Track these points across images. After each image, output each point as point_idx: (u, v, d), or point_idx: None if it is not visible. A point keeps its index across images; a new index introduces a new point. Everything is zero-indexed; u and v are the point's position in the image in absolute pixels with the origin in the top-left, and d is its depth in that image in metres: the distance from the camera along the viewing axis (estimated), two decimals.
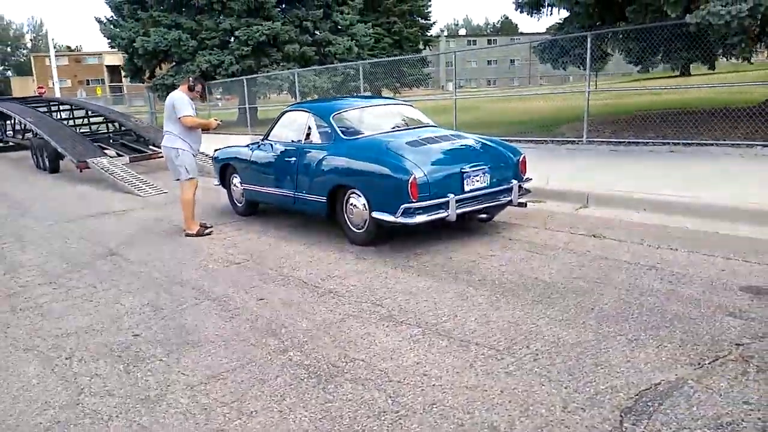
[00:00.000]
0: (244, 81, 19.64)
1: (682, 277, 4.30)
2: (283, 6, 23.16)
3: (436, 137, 5.89)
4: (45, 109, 17.87)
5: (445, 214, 5.25)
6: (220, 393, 3.08)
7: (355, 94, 19.73)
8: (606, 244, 5.28)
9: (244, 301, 4.45)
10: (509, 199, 5.72)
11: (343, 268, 5.10)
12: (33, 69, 72.21)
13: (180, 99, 6.50)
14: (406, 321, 3.85)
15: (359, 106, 6.70)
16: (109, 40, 23.79)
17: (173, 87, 22.79)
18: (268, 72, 21.13)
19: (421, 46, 45.11)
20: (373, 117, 6.50)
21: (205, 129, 6.96)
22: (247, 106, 19.17)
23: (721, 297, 3.90)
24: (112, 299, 4.72)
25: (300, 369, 3.28)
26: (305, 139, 6.34)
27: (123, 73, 26.13)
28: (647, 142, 9.72)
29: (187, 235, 6.64)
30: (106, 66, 72.85)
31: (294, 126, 6.64)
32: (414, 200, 5.15)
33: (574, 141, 10.95)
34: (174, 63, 22.76)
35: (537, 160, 9.48)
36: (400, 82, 39.45)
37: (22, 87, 67.42)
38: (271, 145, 6.82)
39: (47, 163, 14.02)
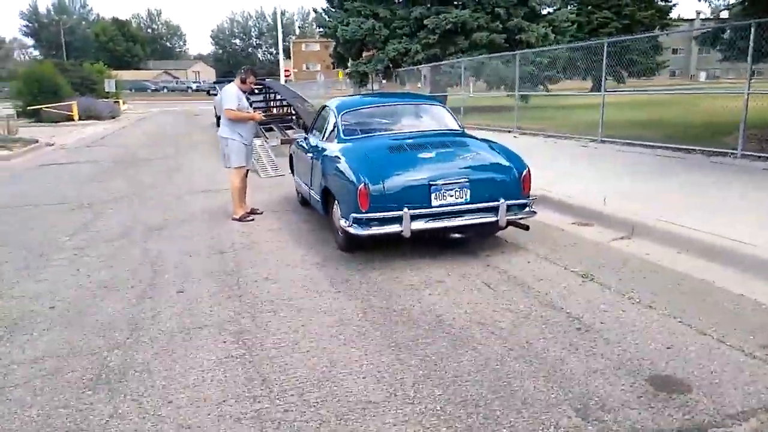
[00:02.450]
0: (422, 69, 19.83)
1: (600, 348, 3.34)
2: None
3: (428, 143, 5.35)
4: (256, 92, 20.33)
5: (398, 229, 4.79)
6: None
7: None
8: (581, 290, 4.30)
9: (168, 289, 4.64)
10: (494, 219, 4.97)
11: (290, 273, 4.96)
12: (291, 53, 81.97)
13: (228, 92, 6.89)
14: (229, 329, 3.73)
15: (376, 105, 6.40)
16: (320, 29, 25.89)
17: (365, 75, 24.12)
18: (451, 60, 20.99)
19: (657, 32, 40.35)
20: (385, 117, 6.16)
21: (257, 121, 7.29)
22: (412, 91, 19.34)
23: (606, 385, 2.95)
24: (90, 270, 5.26)
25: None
26: (326, 136, 6.26)
27: (331, 60, 28.33)
28: None
29: (233, 219, 7.07)
30: None
31: (322, 121, 6.60)
32: (363, 210, 4.80)
33: (726, 153, 8.93)
34: (372, 51, 23.88)
35: (654, 173, 8.04)
36: (628, 71, 35.93)
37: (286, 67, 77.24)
38: (307, 139, 6.89)
39: None
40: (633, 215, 5.71)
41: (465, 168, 5.03)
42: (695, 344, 3.34)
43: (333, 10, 25.86)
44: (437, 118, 6.25)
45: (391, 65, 23.47)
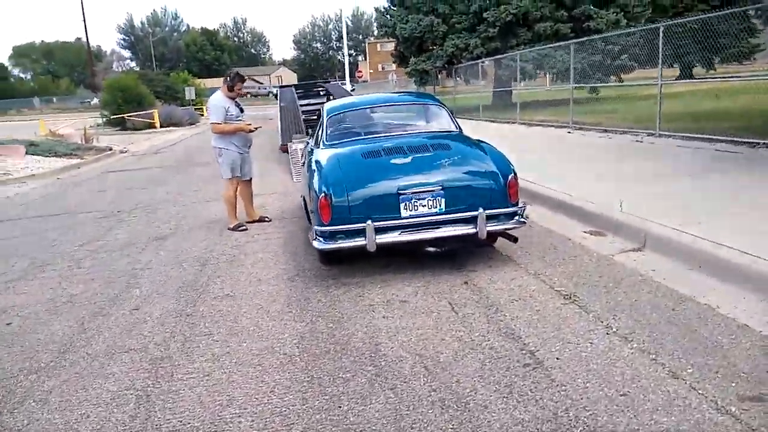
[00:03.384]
0: (482, 64, 19.10)
1: (539, 392, 2.80)
2: None
3: (409, 147, 4.88)
4: (321, 94, 20.30)
5: (362, 242, 4.38)
6: None
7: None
8: (554, 315, 3.72)
9: (125, 306, 4.47)
10: (473, 231, 4.44)
11: (254, 289, 4.68)
12: (367, 54, 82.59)
13: (213, 104, 6.66)
14: (152, 354, 3.42)
15: (367, 106, 6.00)
16: (380, 28, 25.64)
17: (425, 73, 23.61)
18: (513, 53, 20.10)
19: (751, 12, 36.97)
20: (375, 119, 5.76)
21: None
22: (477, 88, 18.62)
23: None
24: (71, 283, 5.22)
25: None
26: (316, 140, 5.94)
27: (392, 59, 27.99)
28: None
29: (228, 228, 6.91)
30: None
31: (319, 125, 6.28)
32: (325, 223, 4.43)
33: None
34: (429, 49, 23.35)
35: (698, 172, 7.11)
36: (719, 56, 33.01)
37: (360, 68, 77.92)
38: (308, 143, 6.60)
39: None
40: (650, 224, 4.98)
41: (440, 174, 4.53)
42: (659, 391, 2.72)
43: (394, 8, 25.52)
44: (432, 119, 5.77)
45: (454, 61, 22.80)
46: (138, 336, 3.90)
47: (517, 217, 4.64)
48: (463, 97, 22.33)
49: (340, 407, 2.81)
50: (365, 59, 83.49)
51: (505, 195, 4.56)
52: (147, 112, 32.65)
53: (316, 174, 4.78)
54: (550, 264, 4.70)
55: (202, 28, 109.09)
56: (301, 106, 20.03)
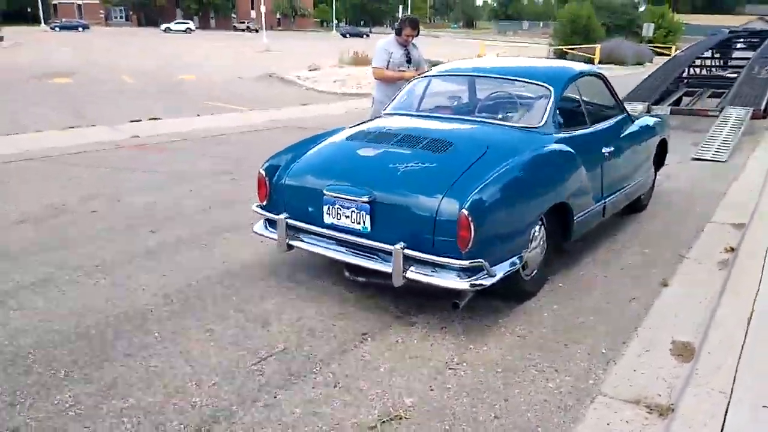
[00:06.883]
0: None
1: None
2: None
3: (404, 137, 3.61)
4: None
5: (273, 235, 3.63)
6: None
7: None
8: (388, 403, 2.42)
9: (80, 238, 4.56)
10: (386, 269, 3.10)
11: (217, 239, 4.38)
12: None
13: (378, 47, 6.04)
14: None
15: (461, 74, 4.74)
16: None
17: None
18: None
19: None
20: (458, 93, 4.73)
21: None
22: None
23: None
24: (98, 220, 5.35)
25: None
26: None
27: None
28: None
29: None
30: None
31: None
32: (261, 203, 3.83)
33: None
34: None
35: None
36: None
37: None
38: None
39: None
40: None
41: (378, 182, 3.24)
42: None
43: None
44: (520, 106, 4.08)
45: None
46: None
47: (472, 277, 2.98)
48: None
49: None
50: None
51: (451, 235, 2.97)
52: (590, 46, 31.07)
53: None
54: (563, 356, 2.93)
55: None
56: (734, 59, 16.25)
